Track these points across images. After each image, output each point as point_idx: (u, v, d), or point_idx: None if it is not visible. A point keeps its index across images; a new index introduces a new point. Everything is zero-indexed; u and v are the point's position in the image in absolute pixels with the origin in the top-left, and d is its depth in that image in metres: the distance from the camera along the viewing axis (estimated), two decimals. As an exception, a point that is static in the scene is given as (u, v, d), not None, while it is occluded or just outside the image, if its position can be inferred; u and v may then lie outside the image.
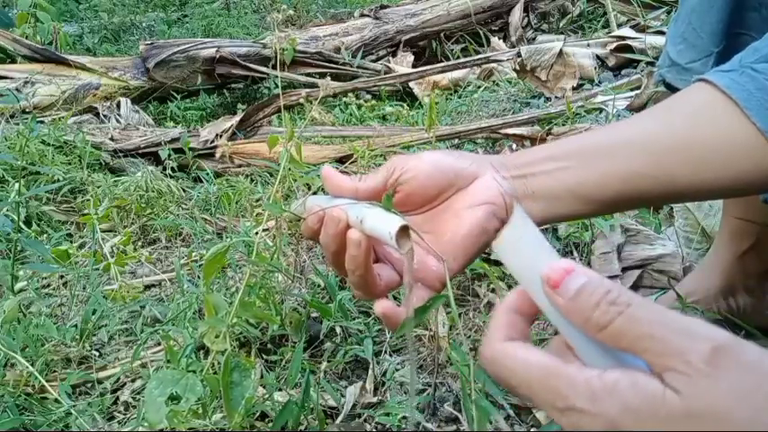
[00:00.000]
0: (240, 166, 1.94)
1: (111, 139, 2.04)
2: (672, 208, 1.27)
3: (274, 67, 2.70)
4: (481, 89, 2.50)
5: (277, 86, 2.70)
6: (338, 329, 1.05)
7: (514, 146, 1.80)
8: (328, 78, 2.49)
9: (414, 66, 2.89)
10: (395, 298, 0.81)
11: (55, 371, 1.04)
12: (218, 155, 1.96)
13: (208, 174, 1.84)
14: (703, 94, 0.55)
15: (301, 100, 2.28)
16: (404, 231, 0.50)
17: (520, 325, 0.40)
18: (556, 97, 2.26)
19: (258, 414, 0.89)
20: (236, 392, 0.60)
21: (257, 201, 1.65)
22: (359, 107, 2.48)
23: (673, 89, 0.87)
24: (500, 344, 0.38)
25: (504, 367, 0.37)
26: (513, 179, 0.57)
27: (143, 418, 0.75)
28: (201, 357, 0.95)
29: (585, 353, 0.36)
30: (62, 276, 1.36)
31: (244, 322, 0.78)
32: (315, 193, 0.61)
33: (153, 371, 1.02)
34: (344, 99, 2.52)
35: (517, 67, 2.36)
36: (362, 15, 3.16)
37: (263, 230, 1.28)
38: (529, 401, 0.37)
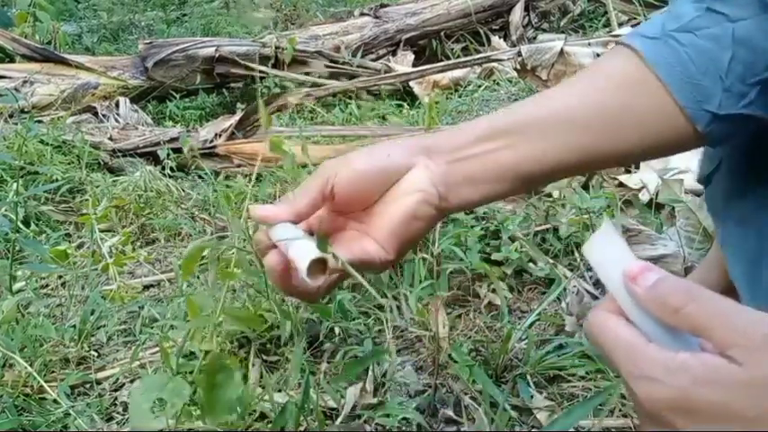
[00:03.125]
0: (239, 165, 1.93)
1: (110, 138, 2.04)
2: (673, 208, 1.27)
3: (274, 66, 2.69)
4: (482, 88, 2.50)
5: (277, 86, 2.69)
6: (337, 330, 1.05)
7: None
8: (321, 64, 2.47)
9: (414, 65, 2.88)
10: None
11: (53, 371, 1.03)
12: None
13: (207, 173, 1.83)
14: (628, 64, 0.57)
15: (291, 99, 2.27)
16: (319, 264, 0.53)
17: None
18: (556, 96, 2.25)
19: (258, 415, 0.89)
20: (220, 394, 0.59)
21: (257, 202, 1.64)
22: (358, 106, 2.48)
23: None
24: (603, 314, 0.45)
25: (600, 333, 0.44)
26: (447, 164, 0.57)
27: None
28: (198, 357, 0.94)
29: (658, 339, 0.43)
30: (61, 276, 1.35)
31: (234, 322, 0.77)
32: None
33: (151, 372, 1.01)
34: (344, 99, 2.52)
35: (518, 67, 2.35)
36: (362, 14, 3.15)
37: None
38: (610, 366, 0.44)
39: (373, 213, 0.58)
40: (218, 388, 0.59)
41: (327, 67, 2.73)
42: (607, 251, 0.45)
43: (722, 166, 0.70)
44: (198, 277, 1.25)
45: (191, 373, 0.61)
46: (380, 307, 1.11)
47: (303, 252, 0.54)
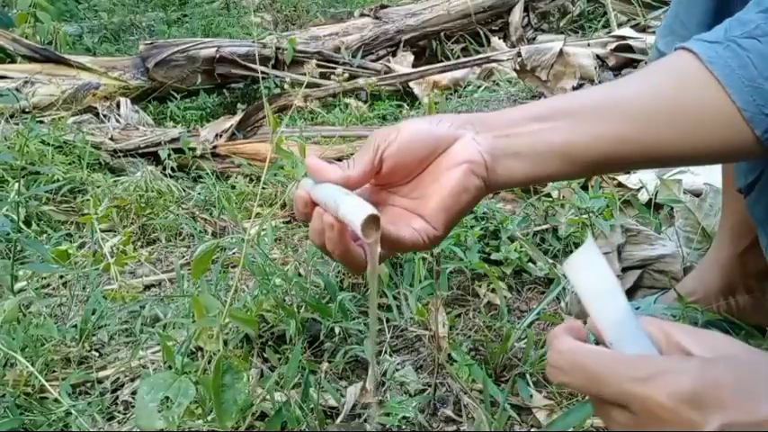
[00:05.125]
0: (240, 165, 1.93)
1: (111, 138, 2.04)
2: (672, 208, 1.27)
3: (275, 67, 2.70)
4: (481, 89, 2.50)
5: (277, 86, 2.70)
6: (337, 330, 1.05)
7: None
8: (313, 63, 2.45)
9: (414, 65, 2.89)
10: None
11: (55, 371, 1.04)
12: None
13: (208, 173, 1.84)
14: (687, 63, 0.56)
15: (298, 102, 2.27)
16: (372, 221, 0.52)
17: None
18: (556, 97, 2.25)
19: (258, 414, 0.89)
20: (228, 395, 0.59)
21: (257, 202, 1.65)
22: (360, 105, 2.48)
23: None
24: (571, 340, 0.45)
25: (578, 355, 0.44)
26: (495, 139, 0.57)
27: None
28: (199, 357, 0.95)
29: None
30: (62, 276, 1.36)
31: (239, 322, 0.77)
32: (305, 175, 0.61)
33: (152, 371, 1.01)
34: (345, 99, 2.52)
35: (517, 67, 2.35)
36: (362, 15, 3.15)
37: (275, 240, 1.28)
38: (590, 388, 0.44)
39: (419, 187, 0.58)
40: (226, 389, 0.59)
41: (326, 68, 2.73)
42: (588, 270, 0.45)
43: (764, 176, 0.70)
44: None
45: (195, 372, 0.61)
46: (380, 306, 1.12)
47: (356, 209, 0.52)
